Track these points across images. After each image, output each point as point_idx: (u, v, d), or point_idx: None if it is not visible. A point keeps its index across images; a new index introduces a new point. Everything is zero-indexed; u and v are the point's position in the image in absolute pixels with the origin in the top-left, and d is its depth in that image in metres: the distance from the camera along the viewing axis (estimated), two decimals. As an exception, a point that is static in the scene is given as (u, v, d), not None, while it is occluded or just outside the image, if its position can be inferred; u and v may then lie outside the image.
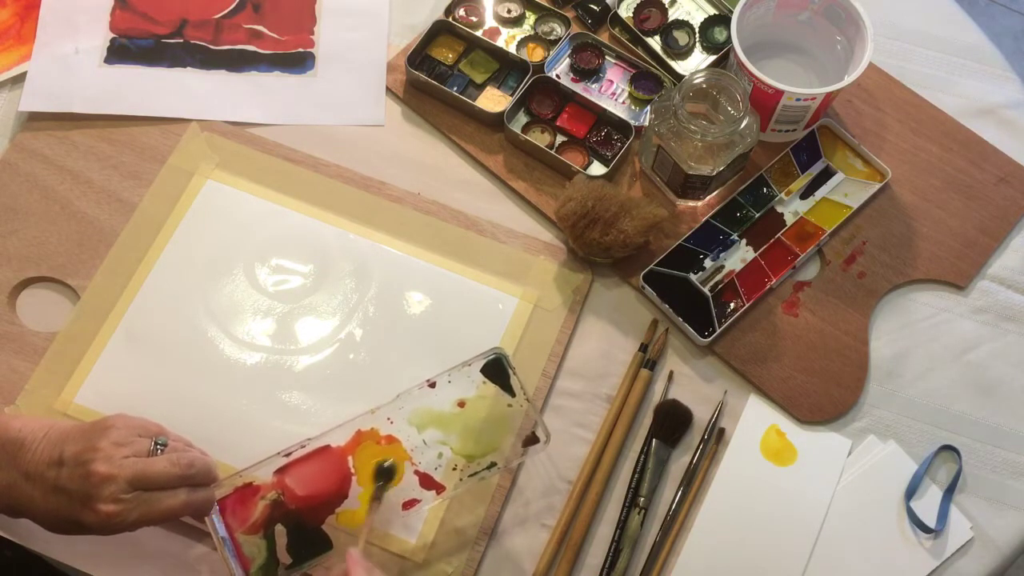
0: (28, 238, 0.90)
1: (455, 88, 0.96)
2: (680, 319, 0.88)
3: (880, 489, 0.84)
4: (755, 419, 0.86)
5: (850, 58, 0.91)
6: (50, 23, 0.99)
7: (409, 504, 0.77)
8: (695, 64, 0.98)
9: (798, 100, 0.88)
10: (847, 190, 0.94)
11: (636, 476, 0.83)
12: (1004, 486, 0.85)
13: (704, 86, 0.87)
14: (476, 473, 0.78)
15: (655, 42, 0.99)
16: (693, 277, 0.90)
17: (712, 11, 1.00)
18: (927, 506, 0.83)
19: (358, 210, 0.92)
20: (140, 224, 0.91)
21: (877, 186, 0.94)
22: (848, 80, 0.87)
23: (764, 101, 0.89)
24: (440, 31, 0.99)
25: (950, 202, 0.94)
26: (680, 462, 0.85)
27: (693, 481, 0.84)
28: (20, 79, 0.97)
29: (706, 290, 0.89)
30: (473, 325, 0.88)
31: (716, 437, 0.85)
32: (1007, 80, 1.00)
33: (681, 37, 0.99)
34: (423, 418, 0.79)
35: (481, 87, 0.98)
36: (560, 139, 0.96)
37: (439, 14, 0.99)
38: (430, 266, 0.90)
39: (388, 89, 0.99)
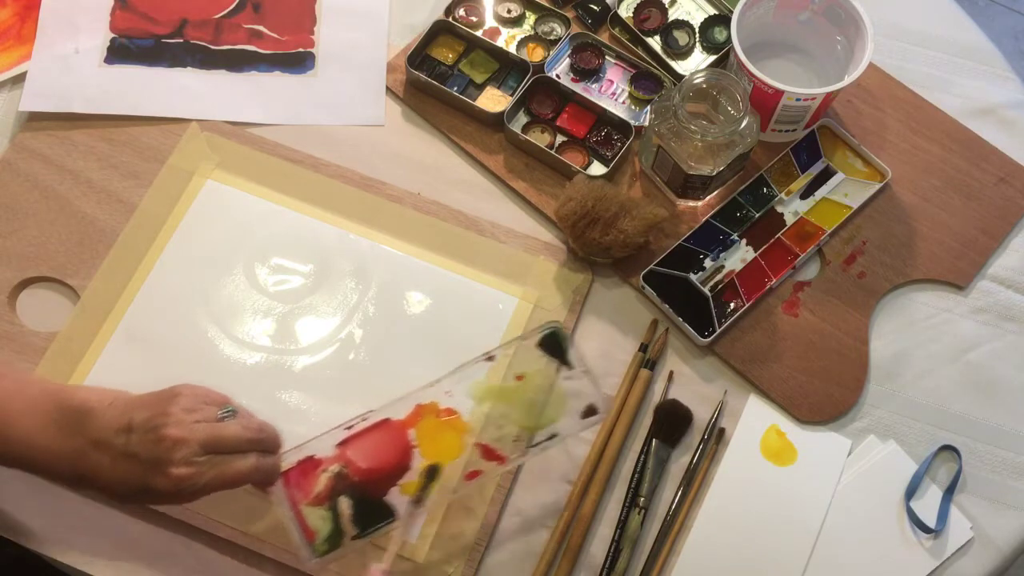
0: (28, 238, 0.90)
1: (455, 88, 0.96)
2: (680, 319, 0.88)
3: (880, 489, 0.84)
4: (755, 419, 0.86)
5: (850, 58, 0.91)
6: (50, 23, 0.99)
7: (471, 475, 0.77)
8: (695, 64, 0.98)
9: (798, 100, 0.88)
10: (847, 190, 0.94)
11: (636, 476, 0.83)
12: (1004, 486, 0.84)
13: (704, 86, 0.87)
14: (537, 444, 0.78)
15: (655, 42, 0.99)
16: (693, 277, 0.90)
17: (712, 11, 1.00)
18: (927, 506, 0.83)
19: (358, 210, 0.92)
20: (140, 224, 0.91)
21: (877, 186, 0.94)
22: (848, 80, 0.87)
23: (764, 101, 0.89)
24: (440, 31, 0.99)
25: (950, 202, 0.94)
26: (680, 462, 0.85)
27: (693, 481, 0.84)
28: (20, 79, 0.97)
29: (706, 290, 0.89)
30: (473, 325, 0.88)
31: (716, 437, 0.85)
32: (1007, 80, 1.00)
33: (681, 37, 0.99)
34: (482, 391, 0.78)
35: (481, 87, 0.98)
36: (560, 139, 0.96)
37: (439, 14, 0.99)
38: (430, 266, 0.90)
39: (388, 89, 0.99)
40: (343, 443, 0.76)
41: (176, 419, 0.69)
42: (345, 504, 0.75)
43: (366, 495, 0.75)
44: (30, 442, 0.70)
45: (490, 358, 0.79)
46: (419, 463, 0.76)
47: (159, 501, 0.71)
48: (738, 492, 0.83)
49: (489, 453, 0.77)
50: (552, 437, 0.78)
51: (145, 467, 0.69)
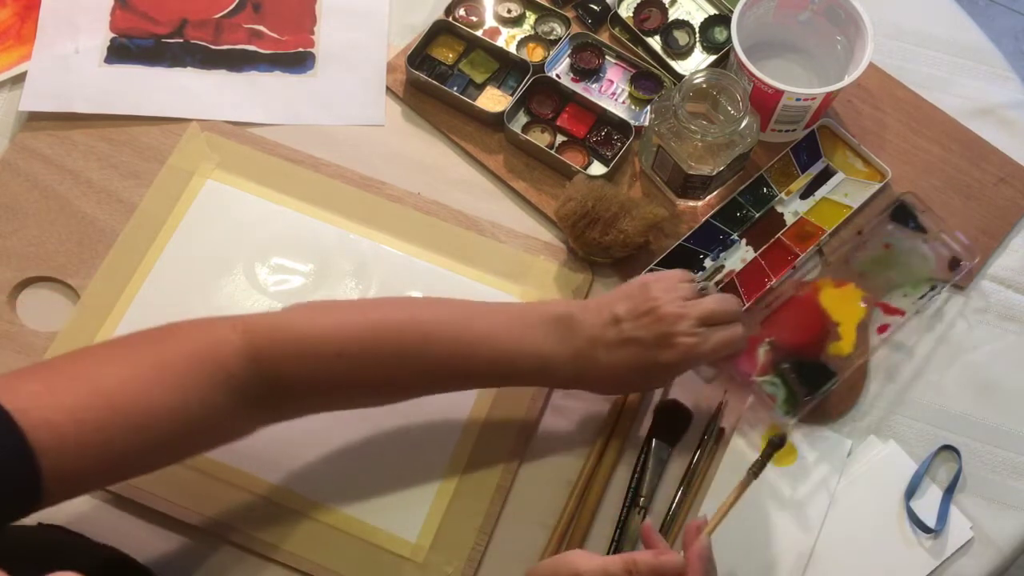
0: (28, 238, 0.90)
1: (455, 88, 0.96)
2: (680, 319, 0.88)
3: (880, 489, 0.84)
4: (755, 419, 0.86)
5: (850, 58, 0.91)
6: (50, 23, 0.99)
7: (883, 328, 0.88)
8: (695, 64, 0.98)
9: (798, 100, 0.88)
10: (847, 190, 0.94)
11: (636, 476, 0.83)
12: (1004, 486, 0.84)
13: (704, 86, 0.87)
14: (923, 296, 0.89)
15: (655, 42, 0.99)
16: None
17: (712, 11, 1.00)
18: (927, 506, 0.83)
19: (358, 210, 0.92)
20: (140, 224, 0.91)
21: (877, 186, 0.94)
22: (848, 80, 0.87)
23: (764, 101, 0.89)
24: (440, 31, 0.99)
25: (950, 202, 0.94)
26: (680, 462, 0.85)
27: (693, 481, 0.84)
28: (20, 79, 0.97)
29: (706, 290, 0.89)
30: (473, 325, 0.88)
31: (716, 437, 0.85)
32: (1007, 80, 1.00)
33: (681, 37, 0.99)
34: (862, 262, 0.90)
35: (481, 87, 0.98)
36: (560, 139, 0.96)
37: (439, 14, 0.99)
38: (430, 266, 0.90)
39: (388, 89, 0.99)
40: (765, 322, 0.87)
41: (665, 300, 0.77)
42: (789, 370, 0.85)
43: (804, 360, 0.86)
44: (541, 354, 0.76)
45: (860, 232, 0.90)
46: (835, 327, 0.87)
47: (659, 376, 0.81)
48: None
49: (888, 309, 0.89)
50: (932, 288, 0.89)
51: (650, 346, 0.76)
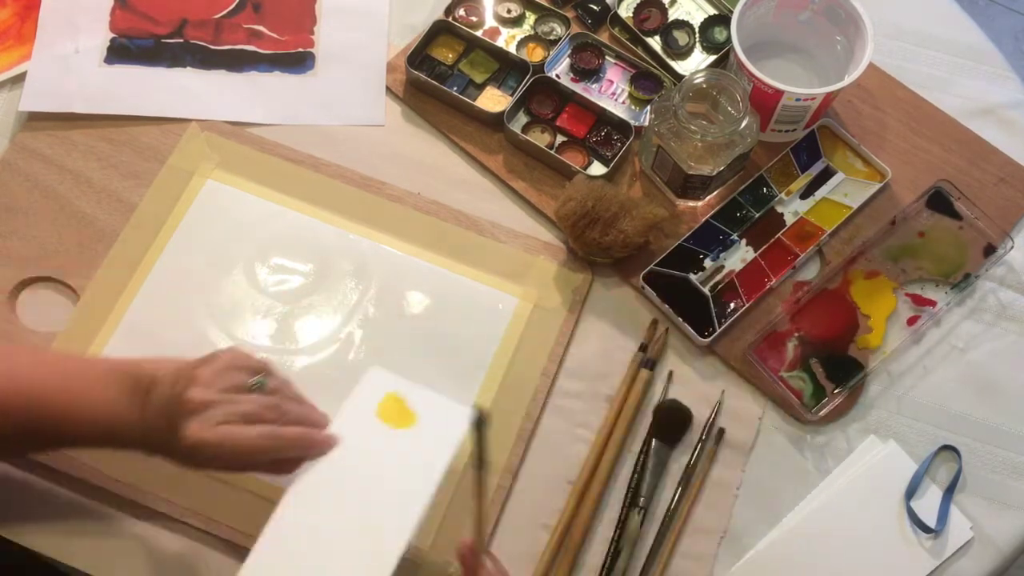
0: (28, 238, 0.90)
1: (455, 88, 0.96)
2: (680, 319, 0.88)
3: (880, 489, 0.84)
4: (372, 389, 0.77)
5: (850, 58, 0.91)
6: (50, 23, 0.99)
7: (912, 320, 0.88)
8: (695, 64, 0.98)
9: (798, 100, 0.88)
10: (847, 190, 0.94)
11: (636, 476, 0.83)
12: (1004, 486, 0.85)
13: (704, 86, 0.87)
14: (956, 286, 0.89)
15: (655, 42, 0.99)
16: (693, 277, 0.90)
17: (712, 11, 1.00)
18: (927, 506, 0.83)
19: (358, 210, 0.92)
20: (140, 224, 0.91)
21: (877, 186, 0.94)
22: (848, 80, 0.87)
23: (764, 101, 0.89)
24: (440, 31, 0.99)
25: (950, 202, 0.94)
26: (680, 462, 0.85)
27: (692, 481, 0.84)
28: (20, 79, 0.97)
29: (706, 290, 0.89)
30: (473, 325, 0.88)
31: (715, 437, 0.85)
32: (1007, 80, 1.00)
33: (681, 37, 0.99)
34: (894, 252, 0.91)
35: (481, 87, 0.98)
36: (560, 139, 0.96)
37: (439, 14, 0.99)
38: (430, 266, 0.90)
39: (388, 89, 0.99)
40: (795, 316, 0.88)
41: (203, 381, 0.69)
42: (816, 364, 0.87)
43: (832, 354, 0.87)
44: (111, 418, 0.70)
45: (892, 223, 0.91)
46: (865, 319, 0.88)
47: (178, 463, 0.71)
48: (346, 457, 0.74)
49: (919, 300, 0.89)
50: (966, 277, 0.89)
51: (164, 429, 0.69)
